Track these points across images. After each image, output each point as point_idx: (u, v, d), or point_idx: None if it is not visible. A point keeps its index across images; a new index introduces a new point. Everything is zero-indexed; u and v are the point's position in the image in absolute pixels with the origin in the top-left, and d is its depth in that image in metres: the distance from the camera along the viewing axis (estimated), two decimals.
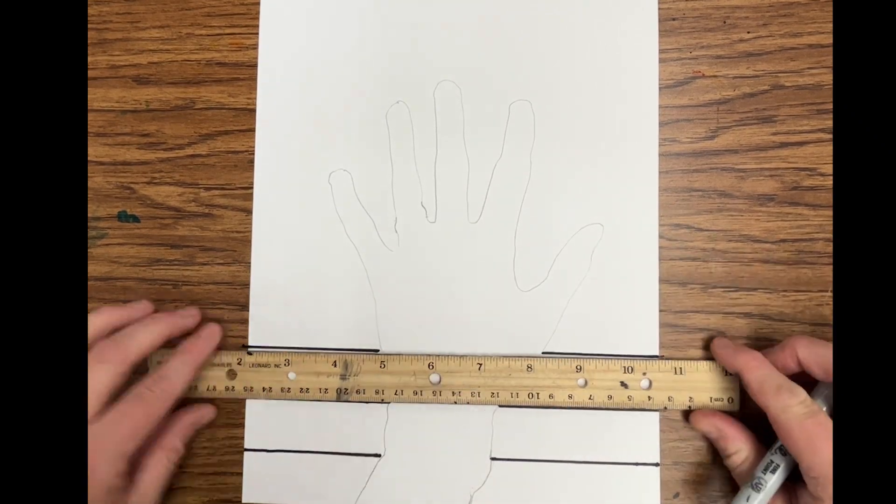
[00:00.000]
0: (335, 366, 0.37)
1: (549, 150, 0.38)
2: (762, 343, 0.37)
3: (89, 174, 0.40)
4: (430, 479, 0.37)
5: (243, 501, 0.38)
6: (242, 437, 0.38)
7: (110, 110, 0.40)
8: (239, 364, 0.37)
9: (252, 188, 0.39)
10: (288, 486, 0.38)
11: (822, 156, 0.37)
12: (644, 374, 0.36)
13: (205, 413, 0.37)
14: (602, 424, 0.37)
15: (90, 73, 0.40)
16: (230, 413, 0.38)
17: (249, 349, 0.38)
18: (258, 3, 0.40)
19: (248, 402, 0.38)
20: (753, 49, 0.38)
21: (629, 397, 0.36)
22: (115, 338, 0.33)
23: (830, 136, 0.37)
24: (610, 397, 0.36)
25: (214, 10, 0.40)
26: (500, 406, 0.37)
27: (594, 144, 0.38)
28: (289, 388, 0.37)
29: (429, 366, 0.37)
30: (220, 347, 0.37)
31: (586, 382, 0.36)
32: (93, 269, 0.39)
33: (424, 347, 0.38)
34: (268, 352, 0.38)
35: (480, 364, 0.36)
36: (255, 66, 0.39)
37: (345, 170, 0.39)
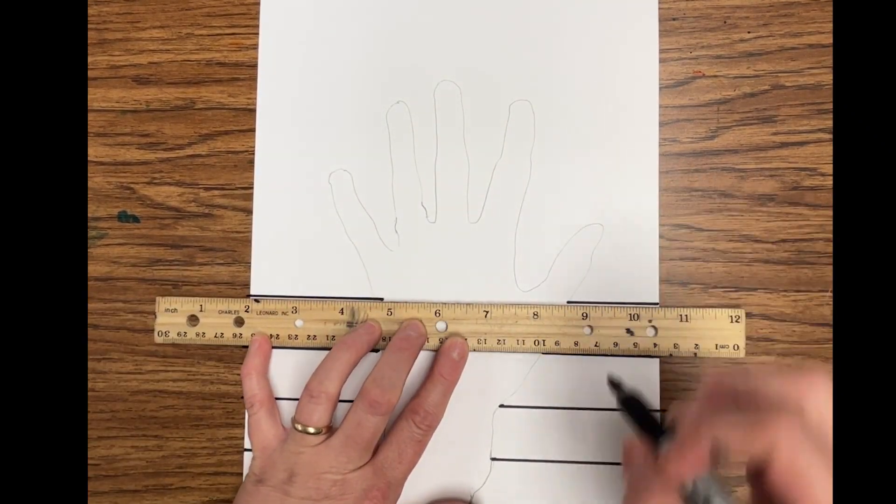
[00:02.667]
0: (342, 313, 0.37)
1: (549, 150, 0.38)
2: (762, 345, 0.37)
3: (89, 174, 0.40)
4: (430, 479, 0.37)
5: None
6: (242, 438, 0.38)
7: (110, 110, 0.40)
8: (246, 311, 0.38)
9: (252, 188, 0.39)
10: None
11: (822, 156, 0.37)
12: (650, 321, 0.36)
13: None
14: (603, 424, 0.37)
15: (90, 73, 0.40)
16: (230, 413, 0.38)
17: (257, 297, 0.38)
18: (258, 3, 0.40)
19: None
20: (754, 49, 0.38)
21: (634, 344, 0.36)
22: (378, 383, 0.34)
23: (830, 136, 0.37)
24: (615, 344, 0.36)
25: (214, 10, 0.40)
26: (501, 406, 0.37)
27: (594, 144, 0.38)
28: (296, 335, 0.37)
29: (435, 313, 0.37)
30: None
31: (592, 330, 0.36)
32: (93, 269, 0.39)
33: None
34: (275, 300, 0.38)
35: (487, 311, 0.37)
36: (255, 66, 0.39)
37: (345, 170, 0.39)
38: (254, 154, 0.39)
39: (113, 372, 0.39)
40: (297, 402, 0.36)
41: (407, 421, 0.35)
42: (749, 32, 0.38)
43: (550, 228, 0.38)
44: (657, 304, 0.37)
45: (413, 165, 0.39)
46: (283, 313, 0.37)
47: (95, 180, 0.40)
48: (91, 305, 0.39)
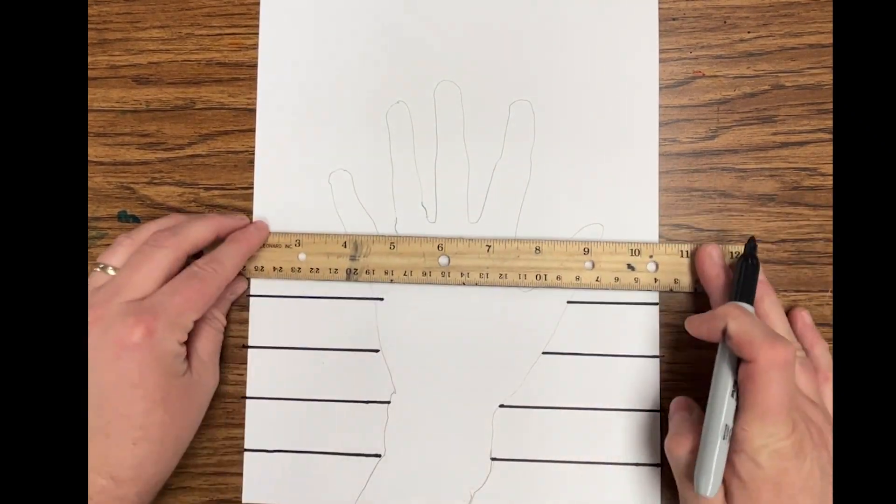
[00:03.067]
0: (345, 246, 0.37)
1: (549, 150, 0.38)
2: None
3: (89, 174, 0.40)
4: (430, 479, 0.37)
5: (243, 501, 0.38)
6: (242, 438, 0.38)
7: (110, 110, 0.40)
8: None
9: (252, 188, 0.39)
10: (288, 486, 0.38)
11: (822, 156, 0.37)
12: (651, 256, 0.36)
13: (238, 286, 0.38)
14: (603, 424, 0.37)
15: (90, 73, 0.40)
16: (230, 413, 0.38)
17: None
18: (258, 3, 0.40)
19: (249, 403, 0.38)
20: (753, 49, 0.38)
21: (636, 279, 0.36)
22: (172, 228, 0.35)
23: (830, 136, 0.37)
24: (617, 279, 0.36)
25: (214, 10, 0.40)
26: (501, 406, 0.37)
27: (594, 144, 0.38)
28: (299, 268, 0.38)
29: (438, 247, 0.37)
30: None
31: (593, 265, 0.36)
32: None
33: (427, 344, 0.38)
34: (279, 233, 0.38)
35: (489, 246, 0.37)
36: (255, 66, 0.39)
37: (345, 170, 0.39)
38: (254, 154, 0.39)
39: None
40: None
41: (192, 264, 0.34)
42: (749, 32, 0.38)
43: (550, 228, 0.38)
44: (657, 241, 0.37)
45: (413, 165, 0.39)
46: (287, 246, 0.38)
47: (95, 180, 0.40)
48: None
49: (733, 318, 0.30)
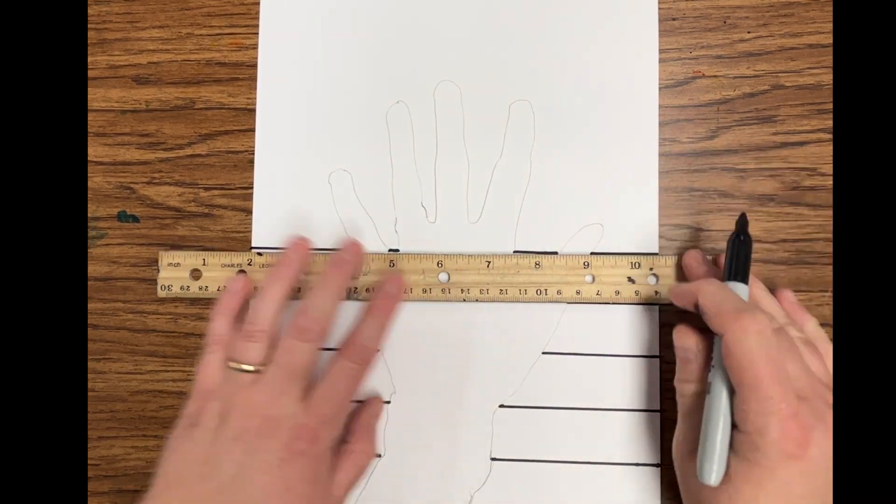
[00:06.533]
0: None
1: (549, 150, 0.38)
2: None
3: (89, 174, 0.40)
4: (430, 479, 0.37)
5: None
6: None
7: (110, 110, 0.40)
8: (249, 265, 0.38)
9: (252, 188, 0.39)
10: None
11: (822, 156, 0.37)
12: (651, 269, 0.36)
13: (375, 406, 0.37)
14: (603, 424, 0.37)
15: (90, 73, 0.40)
16: None
17: (259, 251, 0.38)
18: (258, 3, 0.40)
19: None
20: (753, 49, 0.38)
21: (636, 292, 0.36)
22: (307, 311, 0.33)
23: (830, 136, 0.37)
24: (617, 293, 0.36)
25: (214, 10, 0.40)
26: (501, 406, 0.37)
27: (594, 144, 0.38)
28: (299, 288, 0.37)
29: (438, 264, 0.37)
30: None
31: (594, 279, 0.37)
32: (93, 269, 0.39)
33: (427, 344, 0.38)
34: (278, 252, 0.37)
35: (489, 262, 0.37)
36: (255, 66, 0.39)
37: (345, 170, 0.39)
38: (254, 154, 0.39)
39: (113, 372, 0.39)
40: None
41: (341, 357, 0.33)
42: (749, 32, 0.38)
43: (550, 228, 0.38)
44: (657, 253, 0.37)
45: (413, 165, 0.39)
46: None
47: (95, 180, 0.40)
48: (91, 305, 0.39)
49: (702, 293, 0.30)
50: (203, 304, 0.39)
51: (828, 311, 0.37)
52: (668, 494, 0.36)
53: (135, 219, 0.39)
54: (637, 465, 0.37)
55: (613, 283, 0.36)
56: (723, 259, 0.34)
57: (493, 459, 0.37)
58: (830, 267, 0.37)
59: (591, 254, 0.37)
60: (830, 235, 0.37)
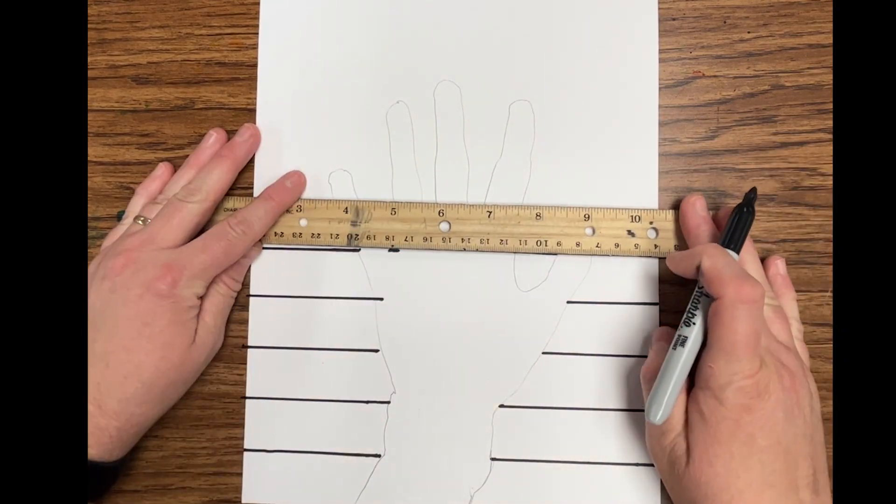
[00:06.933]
0: (346, 212, 0.38)
1: (549, 150, 0.38)
2: None
3: (89, 174, 0.40)
4: (430, 479, 0.37)
5: (243, 501, 0.38)
6: (242, 438, 0.38)
7: (110, 110, 0.40)
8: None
9: (252, 188, 0.39)
10: (288, 486, 0.38)
11: (822, 156, 0.37)
12: (651, 222, 0.36)
13: (253, 251, 0.38)
14: (603, 424, 0.37)
15: (90, 73, 0.40)
16: (230, 413, 0.38)
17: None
18: (258, 3, 0.40)
19: (249, 403, 0.38)
20: (753, 49, 0.38)
21: (636, 245, 0.36)
22: (194, 181, 0.36)
23: (830, 136, 0.37)
24: (617, 245, 0.36)
25: (214, 10, 0.40)
26: (501, 406, 0.37)
27: (594, 144, 0.38)
28: (300, 234, 0.38)
29: (439, 213, 0.37)
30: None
31: (594, 231, 0.37)
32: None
33: (426, 344, 0.38)
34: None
35: (490, 212, 0.37)
36: (254, 66, 0.39)
37: (345, 170, 0.39)
38: (254, 154, 0.39)
39: None
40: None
41: (223, 222, 0.36)
42: (749, 32, 0.38)
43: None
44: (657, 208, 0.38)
45: (413, 165, 0.39)
46: (288, 211, 0.38)
47: (95, 180, 0.40)
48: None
49: (707, 256, 0.31)
50: None
51: (828, 311, 0.37)
52: (667, 494, 0.36)
53: None
54: (637, 465, 0.37)
55: (613, 235, 0.37)
56: (722, 223, 0.35)
57: (493, 459, 0.37)
58: (830, 267, 0.37)
59: (592, 207, 0.37)
60: (830, 235, 0.37)
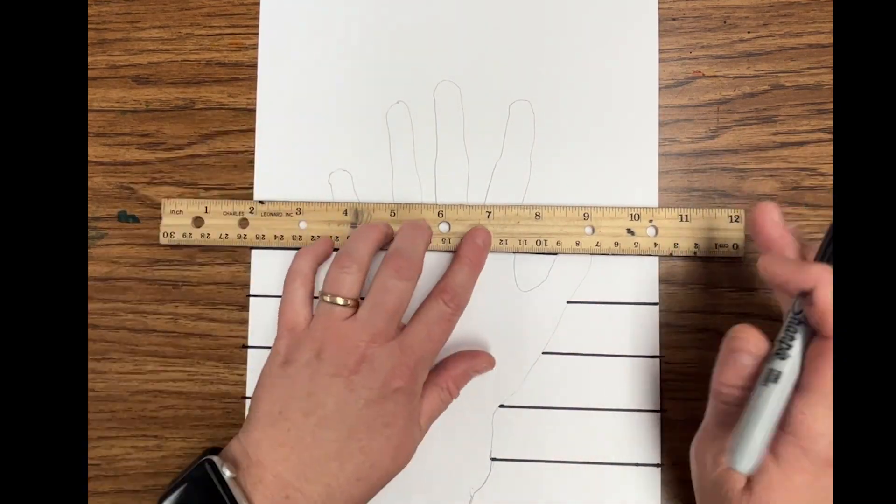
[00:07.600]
0: (346, 214, 0.38)
1: (549, 150, 0.38)
2: None
3: (89, 174, 0.40)
4: (430, 479, 0.37)
5: None
6: None
7: (110, 110, 0.40)
8: (251, 213, 0.38)
9: (252, 188, 0.39)
10: None
11: (822, 156, 0.37)
12: (650, 221, 0.37)
13: (483, 362, 0.36)
14: (603, 424, 0.37)
15: (90, 73, 0.40)
16: (230, 413, 0.38)
17: (261, 200, 0.39)
18: (258, 3, 0.40)
19: (248, 403, 0.38)
20: (753, 49, 0.38)
21: (635, 244, 0.36)
22: (401, 252, 0.33)
23: (830, 136, 0.37)
24: (616, 244, 0.37)
25: (214, 10, 0.40)
26: (501, 406, 0.37)
27: (594, 145, 0.38)
28: (300, 237, 0.38)
29: (438, 214, 0.37)
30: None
31: (593, 230, 0.37)
32: (93, 269, 0.39)
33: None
34: (279, 201, 0.38)
35: (489, 212, 0.37)
36: (255, 66, 0.39)
37: (345, 170, 0.39)
38: (254, 154, 0.39)
39: (113, 372, 0.39)
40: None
41: (435, 300, 0.34)
42: (749, 32, 0.38)
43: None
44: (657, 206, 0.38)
45: (413, 165, 0.39)
46: (288, 214, 0.38)
47: (95, 180, 0.40)
48: (91, 305, 0.39)
49: (826, 286, 0.27)
50: (204, 304, 0.39)
51: None
52: (668, 494, 0.36)
53: (135, 219, 0.39)
54: (637, 465, 0.37)
55: (613, 234, 0.37)
56: (812, 245, 0.31)
57: (493, 459, 0.37)
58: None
59: (591, 207, 0.37)
60: None
